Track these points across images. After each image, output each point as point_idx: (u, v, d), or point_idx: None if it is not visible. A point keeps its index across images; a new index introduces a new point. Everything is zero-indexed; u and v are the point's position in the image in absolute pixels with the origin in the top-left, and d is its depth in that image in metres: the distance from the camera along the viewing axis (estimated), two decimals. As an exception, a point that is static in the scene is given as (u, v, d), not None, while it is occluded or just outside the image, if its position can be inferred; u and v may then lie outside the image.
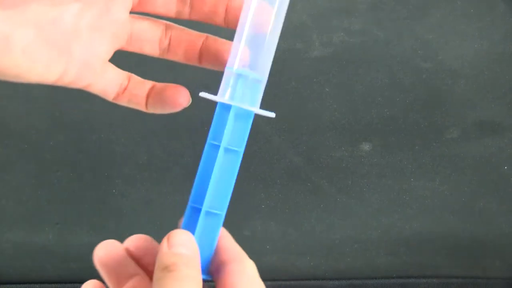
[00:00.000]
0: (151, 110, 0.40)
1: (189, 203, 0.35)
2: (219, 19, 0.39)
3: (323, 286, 0.67)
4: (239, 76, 0.35)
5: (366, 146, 0.74)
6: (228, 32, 0.39)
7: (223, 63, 0.38)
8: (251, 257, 0.70)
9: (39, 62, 0.35)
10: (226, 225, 0.70)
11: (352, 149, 0.74)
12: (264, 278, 0.67)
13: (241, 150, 0.36)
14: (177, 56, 0.40)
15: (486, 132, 0.75)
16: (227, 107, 0.35)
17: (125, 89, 0.40)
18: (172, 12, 0.39)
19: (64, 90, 0.76)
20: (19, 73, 0.35)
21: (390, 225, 0.69)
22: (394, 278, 0.67)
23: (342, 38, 0.81)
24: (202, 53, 0.39)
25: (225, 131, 0.35)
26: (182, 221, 0.35)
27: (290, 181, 0.72)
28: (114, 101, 0.41)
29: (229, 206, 0.77)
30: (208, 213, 0.35)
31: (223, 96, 0.35)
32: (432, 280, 0.66)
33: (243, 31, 0.36)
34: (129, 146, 0.72)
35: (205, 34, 0.40)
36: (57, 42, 0.36)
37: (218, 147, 0.35)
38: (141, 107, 0.40)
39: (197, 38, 0.40)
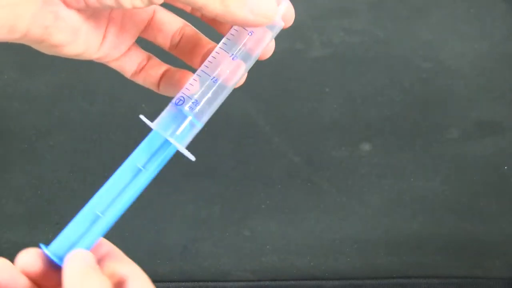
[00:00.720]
0: (162, 91, 0.42)
1: (86, 205, 0.38)
2: (224, 29, 0.40)
3: (323, 286, 0.67)
4: (182, 115, 0.37)
5: (366, 146, 0.74)
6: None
7: None
8: (251, 257, 0.70)
9: (92, 47, 0.38)
10: (227, 224, 0.70)
11: (352, 149, 0.74)
12: (264, 278, 0.67)
13: (153, 175, 0.39)
14: (183, 54, 0.42)
15: (486, 132, 0.75)
16: (159, 136, 0.37)
17: (142, 68, 0.42)
18: (188, 8, 0.41)
19: (64, 90, 0.76)
20: (74, 55, 0.38)
21: (390, 225, 0.69)
22: (394, 278, 0.67)
23: (342, 38, 0.81)
24: (204, 59, 0.40)
25: (147, 155, 0.38)
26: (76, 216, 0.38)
27: (290, 181, 0.72)
28: (131, 78, 0.43)
29: (229, 206, 0.77)
30: (98, 216, 0.38)
31: (160, 126, 0.37)
32: (432, 280, 0.66)
33: (209, 78, 0.37)
34: (129, 146, 0.72)
35: (215, 44, 0.41)
36: (101, 26, 0.38)
37: (135, 165, 0.38)
38: (154, 88, 0.42)
39: (205, 44, 0.41)
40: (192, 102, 0.37)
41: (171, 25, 0.42)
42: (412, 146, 0.74)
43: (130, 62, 0.42)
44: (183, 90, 0.38)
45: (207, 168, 0.72)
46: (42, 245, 0.37)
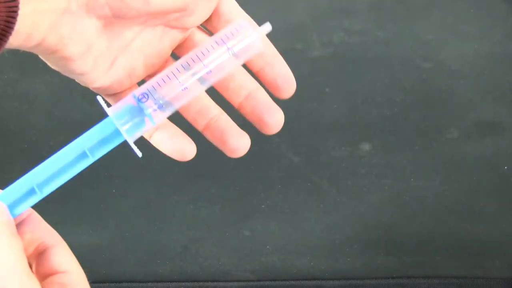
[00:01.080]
0: (154, 142, 0.41)
1: (26, 175, 0.37)
2: (235, 102, 0.40)
3: (323, 286, 0.67)
4: (140, 110, 0.37)
5: (366, 146, 0.74)
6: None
7: (224, 147, 0.39)
8: (251, 257, 0.70)
9: (99, 69, 0.38)
10: (227, 224, 0.70)
11: (352, 149, 0.74)
12: (264, 278, 0.67)
13: (93, 159, 0.38)
14: (187, 113, 0.41)
15: (486, 132, 0.75)
16: (112, 124, 0.37)
17: None
18: None
19: (64, 90, 0.76)
20: (79, 74, 0.38)
21: (390, 225, 0.69)
22: (394, 278, 0.67)
23: (342, 38, 0.81)
24: (208, 126, 0.40)
25: (95, 139, 0.38)
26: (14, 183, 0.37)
27: (290, 181, 0.72)
28: None
29: (229, 206, 0.77)
30: (33, 190, 0.37)
31: (116, 116, 0.37)
32: (432, 280, 0.66)
33: (179, 85, 0.38)
34: (129, 146, 0.72)
35: (220, 110, 0.40)
36: (113, 53, 0.38)
37: (81, 146, 0.38)
38: (146, 136, 0.41)
39: (212, 109, 0.40)
40: (155, 103, 0.37)
41: None
42: (412, 146, 0.74)
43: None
44: (150, 88, 0.38)
45: (207, 168, 0.72)
46: None
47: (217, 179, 0.72)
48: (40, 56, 0.37)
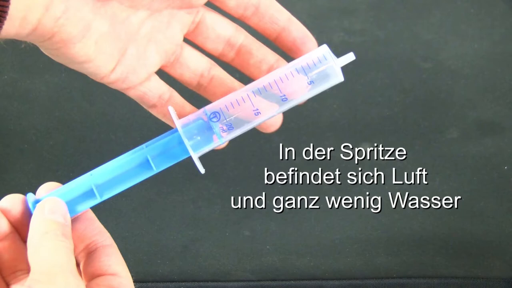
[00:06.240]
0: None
1: (88, 173, 0.38)
2: (258, 77, 0.40)
3: (323, 286, 0.67)
4: (209, 129, 0.37)
5: (366, 146, 0.74)
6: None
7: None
8: (251, 257, 0.70)
9: (104, 54, 0.37)
10: (227, 224, 0.70)
11: (352, 149, 0.74)
12: (264, 278, 0.67)
13: (156, 170, 0.38)
14: (212, 97, 0.41)
15: (486, 132, 0.75)
16: (179, 136, 0.37)
17: (163, 104, 0.41)
18: (217, 52, 0.41)
19: (64, 90, 0.76)
20: (84, 61, 0.37)
21: (390, 225, 0.69)
22: (394, 278, 0.67)
23: (342, 38, 0.81)
24: None
25: (159, 149, 0.37)
26: (73, 181, 0.37)
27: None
28: (150, 110, 0.42)
29: (229, 206, 0.77)
30: (92, 192, 0.37)
31: (185, 131, 0.37)
32: (432, 280, 0.66)
33: (252, 108, 0.38)
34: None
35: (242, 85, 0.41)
36: (120, 40, 0.37)
37: (145, 154, 0.38)
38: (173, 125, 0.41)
39: (237, 87, 0.41)
40: (226, 123, 0.37)
41: (200, 63, 0.41)
42: (412, 146, 0.74)
43: (150, 93, 0.40)
44: (222, 106, 0.37)
45: (207, 168, 0.72)
46: (29, 194, 0.37)
47: (217, 179, 0.72)
48: (41, 48, 0.37)
